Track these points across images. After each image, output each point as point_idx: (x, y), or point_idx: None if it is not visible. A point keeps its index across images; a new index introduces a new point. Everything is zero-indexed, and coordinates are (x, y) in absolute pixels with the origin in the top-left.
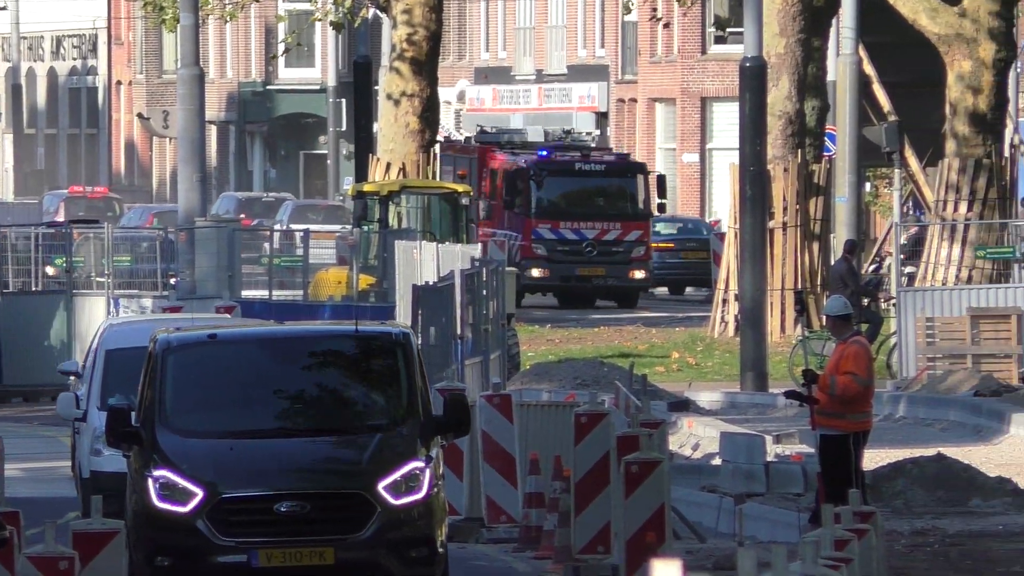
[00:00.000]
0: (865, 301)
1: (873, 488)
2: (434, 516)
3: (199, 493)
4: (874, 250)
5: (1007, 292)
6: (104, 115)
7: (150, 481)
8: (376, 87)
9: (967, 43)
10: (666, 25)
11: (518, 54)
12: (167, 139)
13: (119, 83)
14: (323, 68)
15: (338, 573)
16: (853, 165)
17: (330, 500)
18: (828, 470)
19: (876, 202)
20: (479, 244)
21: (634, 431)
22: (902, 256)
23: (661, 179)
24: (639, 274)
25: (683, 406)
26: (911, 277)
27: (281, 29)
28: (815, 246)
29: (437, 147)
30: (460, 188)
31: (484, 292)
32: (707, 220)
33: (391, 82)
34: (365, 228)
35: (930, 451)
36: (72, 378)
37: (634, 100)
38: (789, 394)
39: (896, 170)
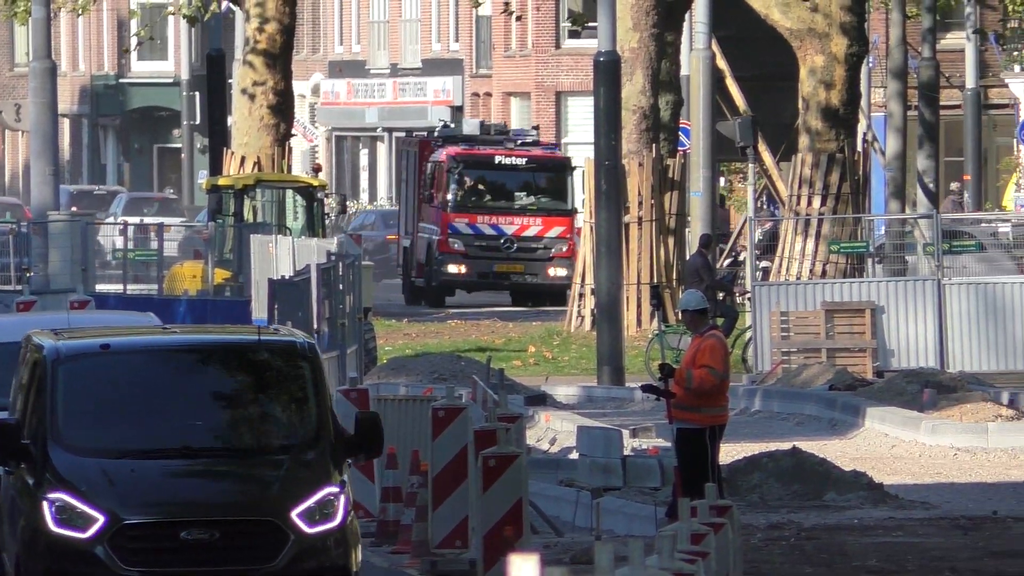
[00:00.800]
0: (720, 295)
1: (729, 482)
2: (349, 544)
3: (100, 518)
4: (729, 244)
5: (861, 286)
6: None
7: (45, 504)
8: (230, 81)
9: (819, 38)
10: (519, 19)
11: (372, 48)
12: (19, 132)
13: None
14: (176, 61)
15: None
16: (708, 160)
17: (241, 527)
18: (684, 464)
19: (731, 197)
20: (335, 238)
21: (491, 425)
22: (757, 251)
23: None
24: (560, 272)
25: (540, 400)
26: (766, 272)
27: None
28: (670, 240)
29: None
30: (315, 182)
31: (340, 286)
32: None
33: (244, 76)
34: (220, 222)
35: (785, 445)
36: None
37: (489, 94)
38: (646, 388)
39: (750, 165)
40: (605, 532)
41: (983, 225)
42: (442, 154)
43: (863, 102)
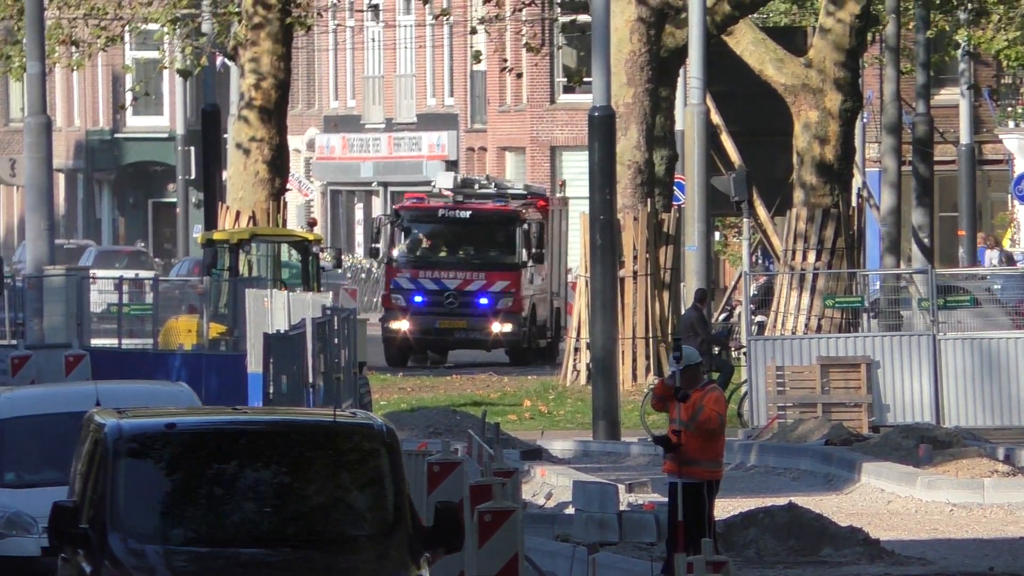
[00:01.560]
0: (716, 350)
1: (725, 537)
2: None
3: None
4: (724, 299)
5: (856, 341)
6: None
7: None
8: (225, 135)
9: (813, 93)
10: (519, 76)
11: (367, 103)
12: (14, 187)
13: None
14: (171, 116)
15: None
16: (702, 214)
17: None
18: (684, 518)
19: (725, 251)
20: (330, 293)
21: (487, 480)
22: (752, 305)
23: (540, 227)
24: (506, 327)
25: (536, 454)
26: (761, 326)
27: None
28: (665, 295)
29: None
30: (310, 236)
31: (335, 340)
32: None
33: (240, 130)
34: (215, 276)
35: (781, 500)
36: None
37: (484, 148)
38: (658, 440)
39: (745, 219)
40: None
41: (979, 279)
42: (387, 208)
43: (858, 157)
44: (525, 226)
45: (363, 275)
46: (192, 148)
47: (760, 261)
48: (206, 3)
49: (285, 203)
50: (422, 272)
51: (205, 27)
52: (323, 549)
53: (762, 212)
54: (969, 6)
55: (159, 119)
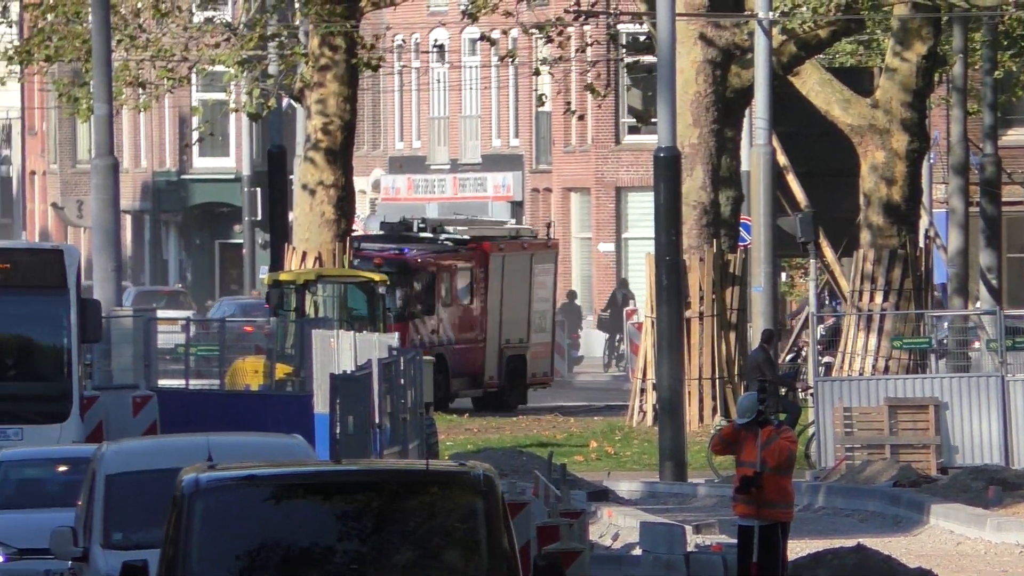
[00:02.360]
0: (783, 391)
1: None
2: None
3: None
4: (791, 340)
5: (924, 382)
6: (18, 205)
7: None
8: (291, 176)
9: (880, 134)
10: (581, 118)
11: (432, 143)
12: (82, 229)
13: (33, 173)
14: (237, 158)
15: None
16: (768, 255)
17: None
18: (758, 561)
19: (792, 292)
20: (395, 333)
21: (554, 521)
22: (819, 346)
23: (447, 277)
24: None
25: (602, 495)
26: (828, 367)
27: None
28: (732, 336)
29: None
30: (376, 276)
31: (402, 381)
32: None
33: (306, 172)
34: (281, 317)
35: (850, 542)
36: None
37: (549, 189)
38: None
39: (811, 260)
40: None
41: None
42: None
43: (924, 198)
44: (389, 282)
45: None
46: (258, 189)
47: (828, 302)
48: (273, 45)
49: (351, 244)
50: None
51: (272, 69)
52: None
53: (828, 253)
54: None
55: (225, 160)
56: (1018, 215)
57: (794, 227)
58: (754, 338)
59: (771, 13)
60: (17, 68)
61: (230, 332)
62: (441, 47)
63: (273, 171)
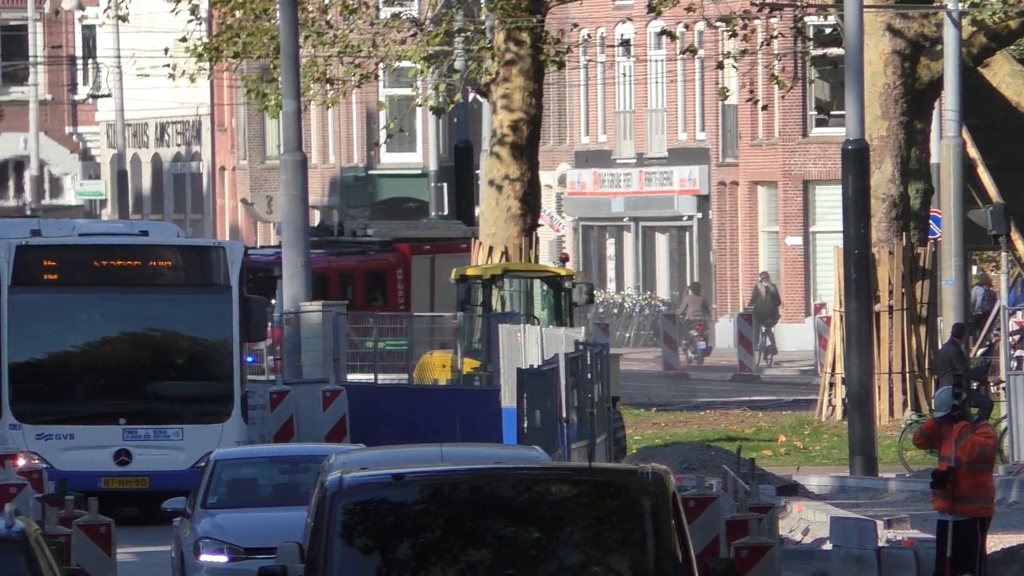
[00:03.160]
0: (975, 385)
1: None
2: None
3: None
4: (982, 333)
5: None
6: (208, 200)
7: None
8: (477, 171)
9: None
10: (765, 108)
11: (618, 138)
12: (271, 224)
13: (223, 169)
14: (424, 153)
15: None
16: (959, 248)
17: None
18: (953, 556)
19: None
20: (582, 327)
21: (743, 515)
22: (1011, 340)
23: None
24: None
25: (792, 490)
26: (1020, 361)
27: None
28: (922, 330)
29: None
30: (563, 271)
31: (588, 375)
32: (812, 303)
33: (492, 167)
34: (468, 312)
35: None
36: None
37: (735, 183)
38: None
39: (1003, 253)
40: None
41: None
42: None
43: None
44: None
45: (615, 310)
46: (445, 184)
47: (1022, 295)
48: (458, 40)
49: (537, 238)
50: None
51: (458, 64)
52: None
53: (1020, 246)
54: None
55: (412, 156)
56: None
57: (985, 220)
58: (945, 332)
59: (960, 4)
60: (206, 65)
61: (418, 327)
62: (627, 41)
63: (460, 166)
